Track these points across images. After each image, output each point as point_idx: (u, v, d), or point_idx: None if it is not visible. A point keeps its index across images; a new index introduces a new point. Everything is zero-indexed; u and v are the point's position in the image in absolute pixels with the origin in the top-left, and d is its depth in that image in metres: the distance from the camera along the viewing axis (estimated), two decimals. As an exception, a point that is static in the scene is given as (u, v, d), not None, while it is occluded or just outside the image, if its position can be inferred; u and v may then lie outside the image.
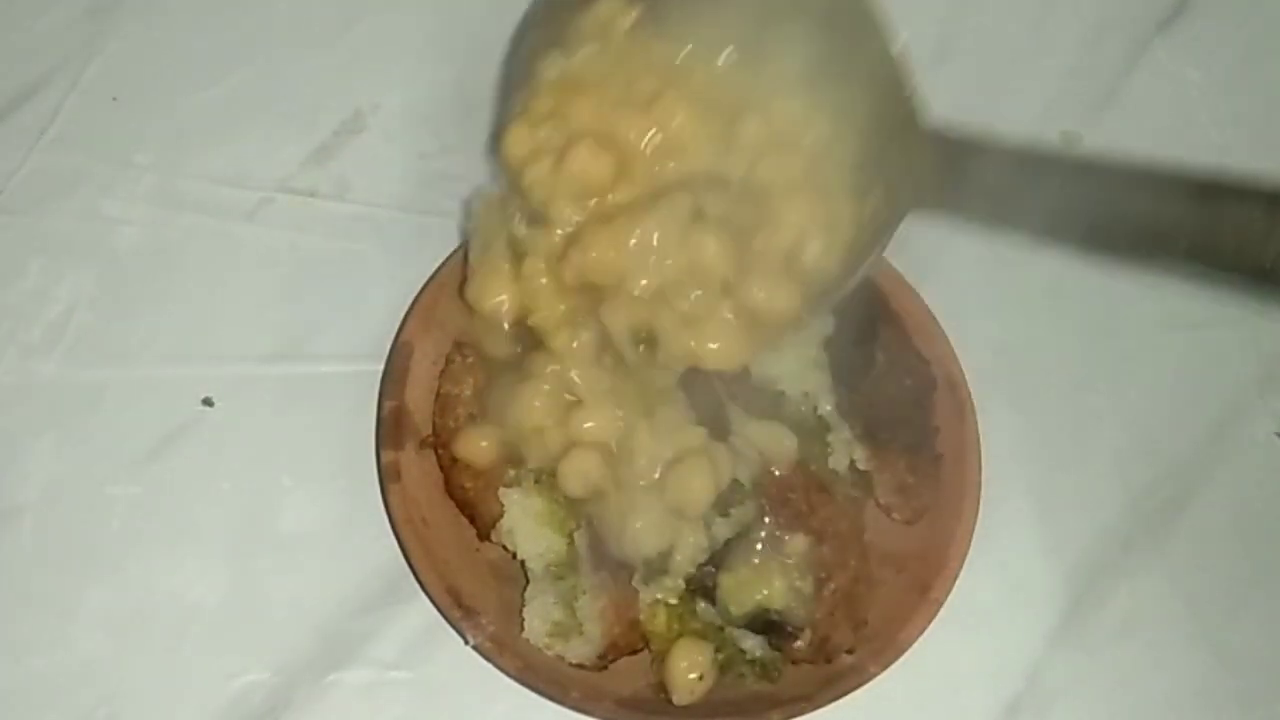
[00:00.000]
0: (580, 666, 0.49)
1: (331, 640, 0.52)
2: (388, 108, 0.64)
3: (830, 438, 0.51)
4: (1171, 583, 0.57)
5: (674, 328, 0.46)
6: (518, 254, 0.48)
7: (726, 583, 0.48)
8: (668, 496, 0.47)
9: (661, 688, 0.49)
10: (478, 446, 0.50)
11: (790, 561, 0.48)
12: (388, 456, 0.52)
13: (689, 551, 0.48)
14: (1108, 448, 0.59)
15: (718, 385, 0.50)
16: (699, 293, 0.46)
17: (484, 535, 0.51)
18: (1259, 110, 0.69)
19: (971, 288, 0.58)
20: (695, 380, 0.49)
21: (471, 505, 0.51)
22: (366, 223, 0.61)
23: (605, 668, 0.49)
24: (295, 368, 0.57)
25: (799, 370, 0.51)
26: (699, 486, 0.47)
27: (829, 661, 0.49)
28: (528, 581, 0.49)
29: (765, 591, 0.48)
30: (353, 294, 0.59)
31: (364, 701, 0.51)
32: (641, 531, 0.47)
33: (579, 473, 0.47)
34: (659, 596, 0.48)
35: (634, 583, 0.48)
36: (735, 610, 0.48)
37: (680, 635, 0.48)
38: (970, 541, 0.52)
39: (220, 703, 0.51)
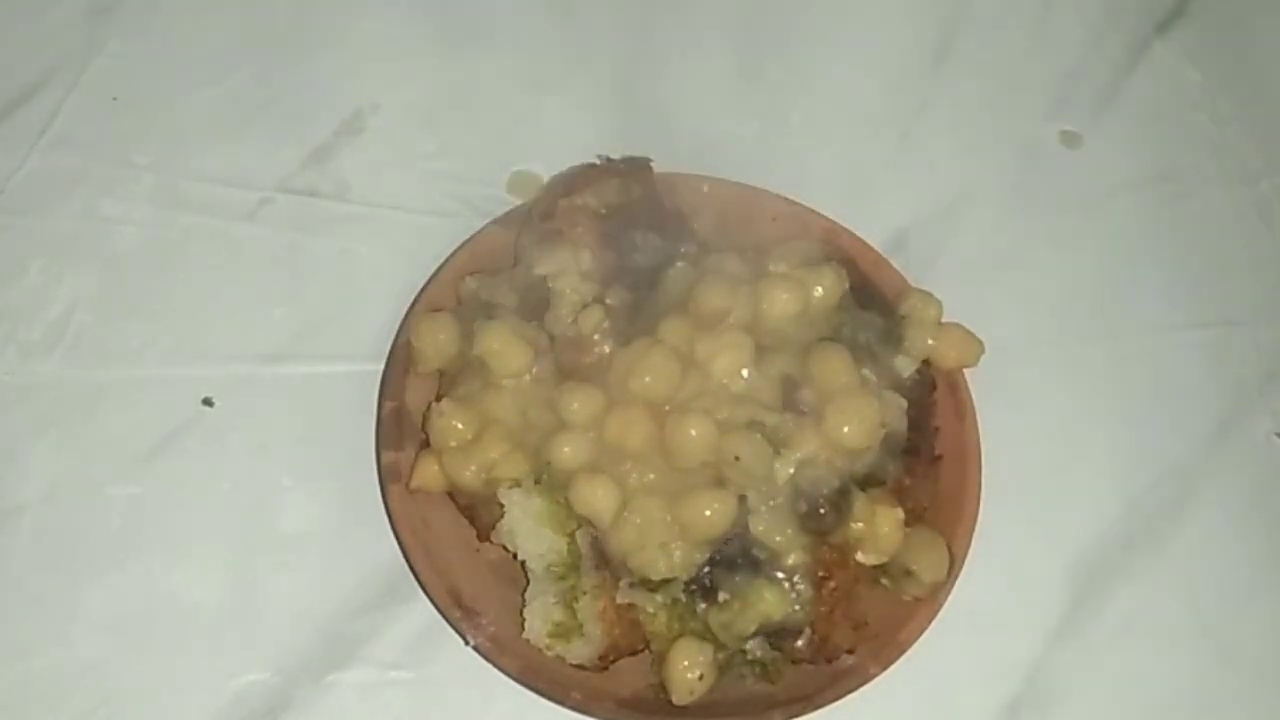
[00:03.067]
0: (580, 667, 0.49)
1: (331, 640, 0.52)
2: (388, 108, 0.64)
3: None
4: (1171, 583, 0.57)
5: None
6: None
7: (717, 619, 0.48)
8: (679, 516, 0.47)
9: (661, 688, 0.48)
10: (430, 472, 0.51)
11: (781, 575, 0.48)
12: (388, 457, 0.52)
13: (689, 573, 0.48)
14: (1108, 448, 0.59)
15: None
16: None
17: (484, 535, 0.51)
18: (1259, 110, 0.69)
19: (972, 288, 0.58)
20: None
21: (471, 506, 0.51)
22: (366, 223, 0.61)
23: (606, 668, 0.49)
24: (295, 368, 0.57)
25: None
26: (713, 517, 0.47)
27: (829, 661, 0.49)
28: (528, 582, 0.49)
29: (760, 607, 0.48)
30: (353, 294, 0.59)
31: (364, 701, 0.51)
32: (649, 558, 0.47)
33: (587, 501, 0.47)
34: (648, 610, 0.48)
35: (619, 593, 0.48)
36: (734, 643, 0.48)
37: (680, 635, 0.48)
38: (970, 541, 0.52)
39: (220, 703, 0.51)
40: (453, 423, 0.50)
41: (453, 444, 0.50)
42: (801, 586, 0.48)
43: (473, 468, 0.49)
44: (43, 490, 0.54)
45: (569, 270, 0.52)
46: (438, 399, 0.51)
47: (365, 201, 0.61)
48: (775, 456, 0.47)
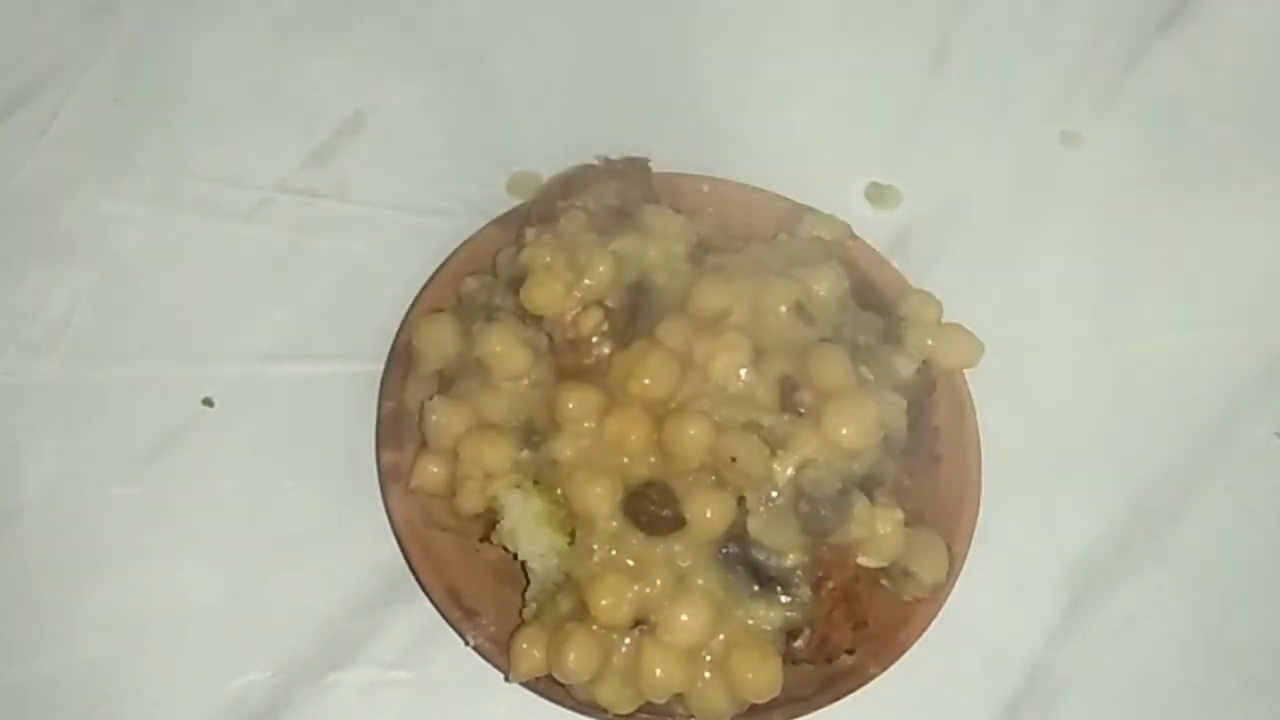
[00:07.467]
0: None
1: (331, 640, 0.52)
2: (388, 108, 0.64)
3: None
4: (1171, 583, 0.57)
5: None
6: None
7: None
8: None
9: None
10: (429, 473, 0.50)
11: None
12: (388, 457, 0.52)
13: None
14: (1108, 448, 0.59)
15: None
16: None
17: (484, 536, 0.51)
18: (1259, 110, 0.69)
19: (972, 288, 0.58)
20: None
21: (471, 505, 0.51)
22: (366, 223, 0.61)
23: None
24: (295, 368, 0.57)
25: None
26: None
27: (829, 661, 0.49)
28: (528, 582, 0.49)
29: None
30: (353, 294, 0.59)
31: (364, 701, 0.51)
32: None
33: (586, 501, 0.48)
34: None
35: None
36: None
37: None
38: (970, 541, 0.52)
39: (220, 703, 0.51)
40: (445, 421, 0.50)
41: (446, 446, 0.50)
42: (801, 588, 0.48)
43: (477, 494, 0.49)
44: (43, 490, 0.54)
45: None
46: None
47: (365, 201, 0.61)
48: (773, 457, 0.47)
